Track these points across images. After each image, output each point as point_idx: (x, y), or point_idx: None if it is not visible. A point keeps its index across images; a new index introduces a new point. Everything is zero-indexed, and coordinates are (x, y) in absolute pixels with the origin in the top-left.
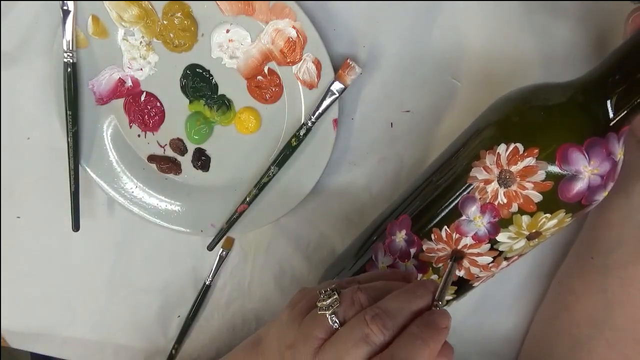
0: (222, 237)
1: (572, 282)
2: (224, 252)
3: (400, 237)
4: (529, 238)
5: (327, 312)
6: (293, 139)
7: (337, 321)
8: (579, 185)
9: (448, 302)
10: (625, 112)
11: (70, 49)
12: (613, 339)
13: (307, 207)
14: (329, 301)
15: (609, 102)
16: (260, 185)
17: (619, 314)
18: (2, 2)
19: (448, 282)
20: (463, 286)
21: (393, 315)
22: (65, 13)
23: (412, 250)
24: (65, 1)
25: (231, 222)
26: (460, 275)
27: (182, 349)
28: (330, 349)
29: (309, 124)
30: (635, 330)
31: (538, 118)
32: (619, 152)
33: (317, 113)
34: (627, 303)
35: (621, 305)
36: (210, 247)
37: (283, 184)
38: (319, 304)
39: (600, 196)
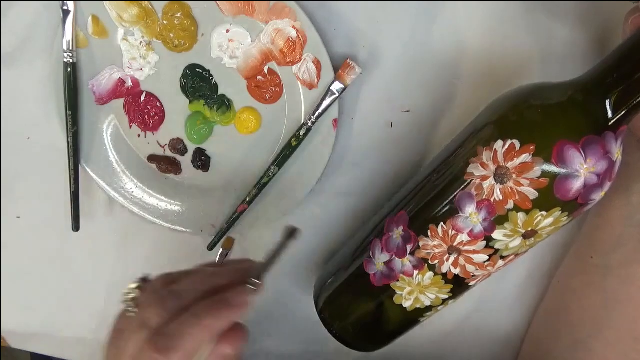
0: (222, 237)
1: (572, 282)
2: (224, 252)
3: (397, 233)
4: (525, 237)
5: (127, 301)
6: (293, 139)
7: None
8: (575, 183)
9: (444, 301)
10: (624, 112)
11: (70, 49)
12: (613, 339)
13: (307, 207)
14: (132, 287)
15: (607, 101)
16: (260, 185)
17: (619, 313)
18: (2, 2)
19: (273, 261)
20: (459, 285)
21: (178, 296)
22: (65, 13)
23: (409, 247)
24: (65, 1)
25: (231, 222)
26: (456, 273)
27: None
28: (120, 336)
29: (309, 124)
30: (635, 330)
31: (536, 116)
32: (616, 152)
33: (317, 113)
34: (626, 303)
35: (621, 305)
36: (210, 247)
37: (283, 184)
38: (125, 292)
39: (597, 196)
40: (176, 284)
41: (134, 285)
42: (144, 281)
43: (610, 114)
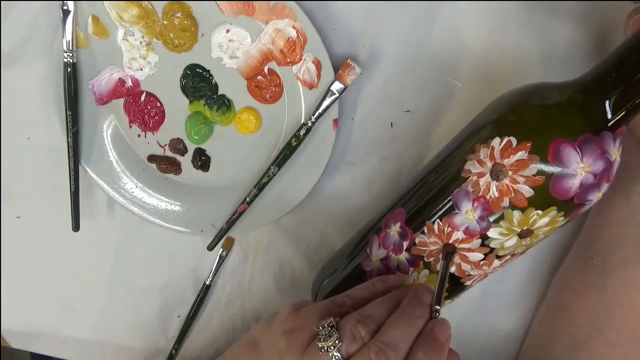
0: (222, 237)
1: (572, 282)
2: (224, 252)
3: (394, 230)
4: (521, 236)
5: (330, 352)
6: (293, 139)
7: (341, 358)
8: (571, 182)
9: None
10: (623, 112)
11: (70, 49)
12: (613, 339)
13: (307, 207)
14: (330, 341)
15: (607, 102)
16: (260, 185)
17: (619, 314)
18: (2, 2)
19: (444, 282)
20: (455, 285)
21: (396, 347)
22: (65, 13)
23: (405, 244)
24: (65, 1)
25: (231, 222)
26: (451, 272)
27: (182, 349)
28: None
29: (309, 124)
30: (635, 331)
31: (534, 115)
32: (614, 152)
33: (317, 113)
34: (627, 303)
35: (621, 306)
36: (210, 247)
37: (283, 184)
38: (320, 344)
39: (594, 196)
40: (383, 332)
41: (332, 332)
42: (336, 327)
43: (609, 115)
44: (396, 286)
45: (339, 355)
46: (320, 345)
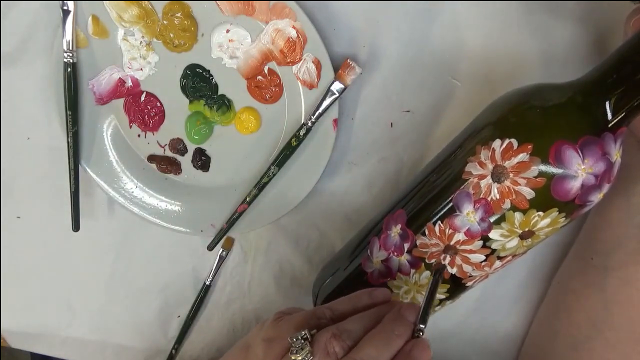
0: (222, 237)
1: (572, 283)
2: (224, 252)
3: (395, 231)
4: (522, 237)
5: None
6: (293, 139)
7: None
8: (572, 184)
9: (442, 302)
10: (624, 113)
11: (70, 49)
12: (613, 339)
13: (307, 207)
14: (302, 354)
15: (607, 103)
16: (260, 185)
17: (619, 314)
18: (2, 2)
19: (431, 300)
20: (456, 285)
21: (353, 336)
22: (65, 13)
23: (406, 245)
24: (65, 1)
25: (231, 222)
26: (453, 273)
27: (182, 349)
28: None
29: (309, 124)
30: (635, 331)
31: (535, 116)
32: (615, 153)
33: (317, 113)
34: (626, 303)
35: (621, 306)
36: (210, 247)
37: (283, 184)
38: (292, 357)
39: (595, 197)
40: (359, 349)
41: (304, 346)
42: (309, 340)
43: (609, 116)
44: (382, 301)
45: None
46: (292, 358)
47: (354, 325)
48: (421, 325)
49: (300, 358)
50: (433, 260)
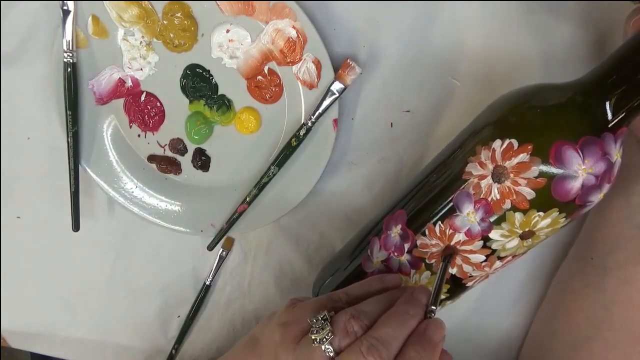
0: (222, 237)
1: (572, 283)
2: (224, 252)
3: (395, 231)
4: (522, 237)
5: (322, 345)
6: (293, 139)
7: (333, 351)
8: (573, 184)
9: (441, 302)
10: (624, 113)
11: (70, 49)
12: (612, 340)
13: (307, 207)
14: (322, 333)
15: (607, 103)
16: (260, 185)
17: (618, 314)
18: (2, 2)
19: (441, 284)
20: (456, 285)
21: (388, 343)
22: (65, 13)
23: (406, 245)
24: (65, 1)
25: (231, 222)
26: (453, 273)
27: (182, 349)
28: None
29: (309, 124)
30: (635, 331)
31: (535, 116)
32: (615, 153)
33: (317, 113)
34: (626, 303)
35: (620, 306)
36: (210, 247)
37: (283, 184)
38: (313, 337)
39: (595, 197)
40: (376, 329)
41: (324, 325)
42: (329, 321)
43: (610, 116)
44: (394, 286)
45: (330, 347)
46: (312, 338)
47: (370, 307)
48: (433, 307)
49: (320, 337)
50: (433, 261)
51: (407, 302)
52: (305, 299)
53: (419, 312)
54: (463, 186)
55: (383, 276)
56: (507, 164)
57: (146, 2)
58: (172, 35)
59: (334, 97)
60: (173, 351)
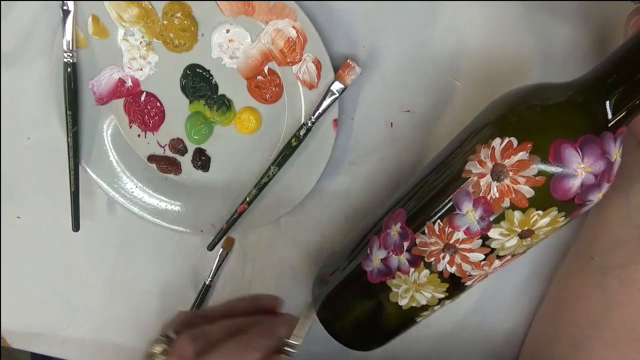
0: (222, 237)
1: (572, 282)
2: (224, 252)
3: (395, 230)
4: (521, 236)
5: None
6: (293, 139)
7: None
8: (572, 183)
9: (440, 301)
10: (624, 113)
11: (70, 49)
12: (612, 339)
13: (307, 207)
14: (158, 349)
15: (607, 102)
16: (260, 185)
17: (618, 314)
18: (2, 2)
19: (304, 325)
20: (455, 284)
21: (209, 338)
22: (65, 13)
23: (406, 244)
24: (65, 1)
25: (231, 222)
26: (452, 272)
27: None
28: None
29: (309, 124)
30: (635, 331)
31: (535, 115)
32: (615, 153)
33: (317, 113)
34: (626, 303)
35: (620, 306)
36: (210, 247)
37: (283, 184)
38: (152, 349)
39: (595, 197)
40: (209, 328)
41: (159, 348)
42: (168, 338)
43: (610, 115)
44: (268, 308)
45: None
46: (152, 351)
47: (217, 330)
48: (294, 342)
49: (157, 351)
50: (432, 259)
51: (259, 332)
52: (185, 313)
53: (267, 346)
54: (462, 184)
55: (258, 296)
56: (507, 162)
57: (146, 2)
58: (172, 35)
59: (334, 97)
60: None
